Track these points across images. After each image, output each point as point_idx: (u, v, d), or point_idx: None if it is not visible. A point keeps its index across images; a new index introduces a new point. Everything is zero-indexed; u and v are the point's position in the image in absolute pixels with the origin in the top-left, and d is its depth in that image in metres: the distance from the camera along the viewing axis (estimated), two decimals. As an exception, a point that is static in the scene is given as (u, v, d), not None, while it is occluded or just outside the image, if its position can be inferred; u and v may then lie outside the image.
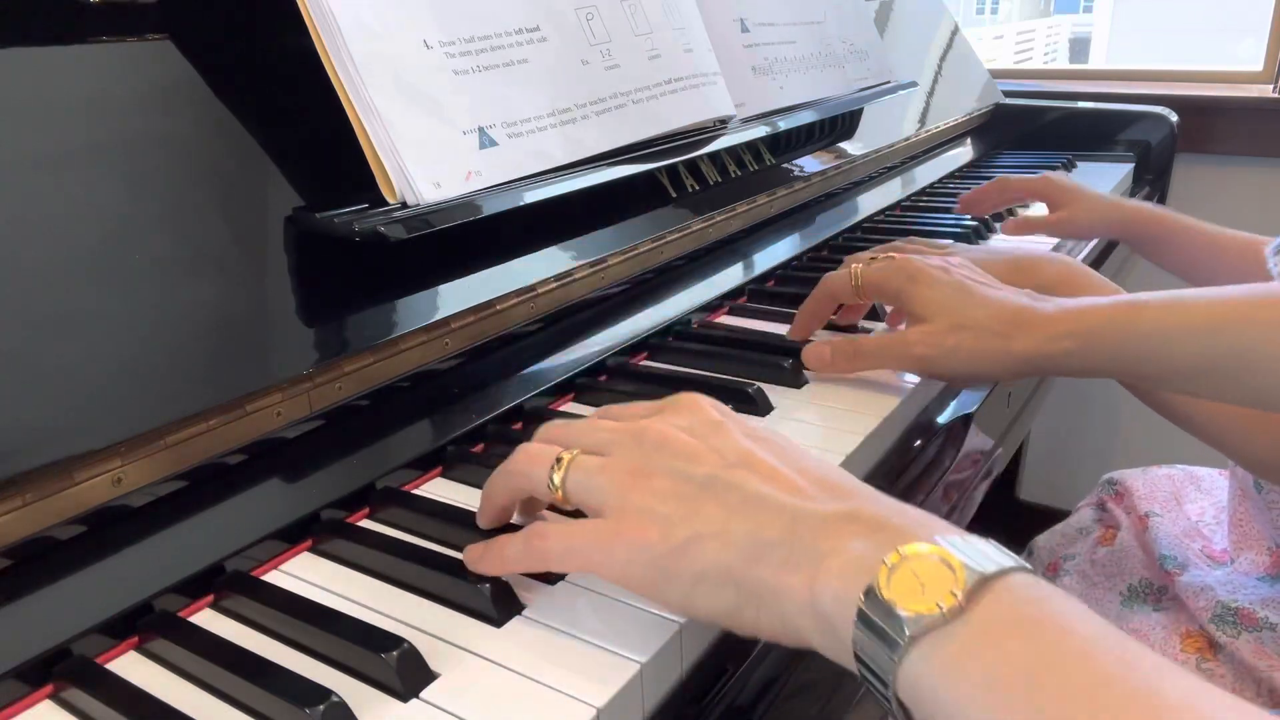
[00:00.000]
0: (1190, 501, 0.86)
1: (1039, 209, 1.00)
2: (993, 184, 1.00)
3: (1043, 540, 0.91)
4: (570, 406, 0.60)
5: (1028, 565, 0.30)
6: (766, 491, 0.35)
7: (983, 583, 0.29)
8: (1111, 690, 0.26)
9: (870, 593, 0.30)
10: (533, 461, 0.40)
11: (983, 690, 0.27)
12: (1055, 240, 0.96)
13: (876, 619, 0.30)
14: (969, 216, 1.00)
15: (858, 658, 0.30)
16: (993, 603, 0.29)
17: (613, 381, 0.62)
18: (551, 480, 0.39)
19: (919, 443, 0.60)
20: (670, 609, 0.36)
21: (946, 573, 0.29)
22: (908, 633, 0.29)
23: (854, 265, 0.62)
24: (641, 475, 0.37)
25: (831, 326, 0.70)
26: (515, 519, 0.44)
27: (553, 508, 0.43)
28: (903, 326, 0.61)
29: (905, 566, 0.30)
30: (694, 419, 0.40)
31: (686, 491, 0.36)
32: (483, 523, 0.44)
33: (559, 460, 0.39)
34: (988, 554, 0.30)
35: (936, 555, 0.30)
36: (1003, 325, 0.54)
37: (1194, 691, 0.25)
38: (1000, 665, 0.27)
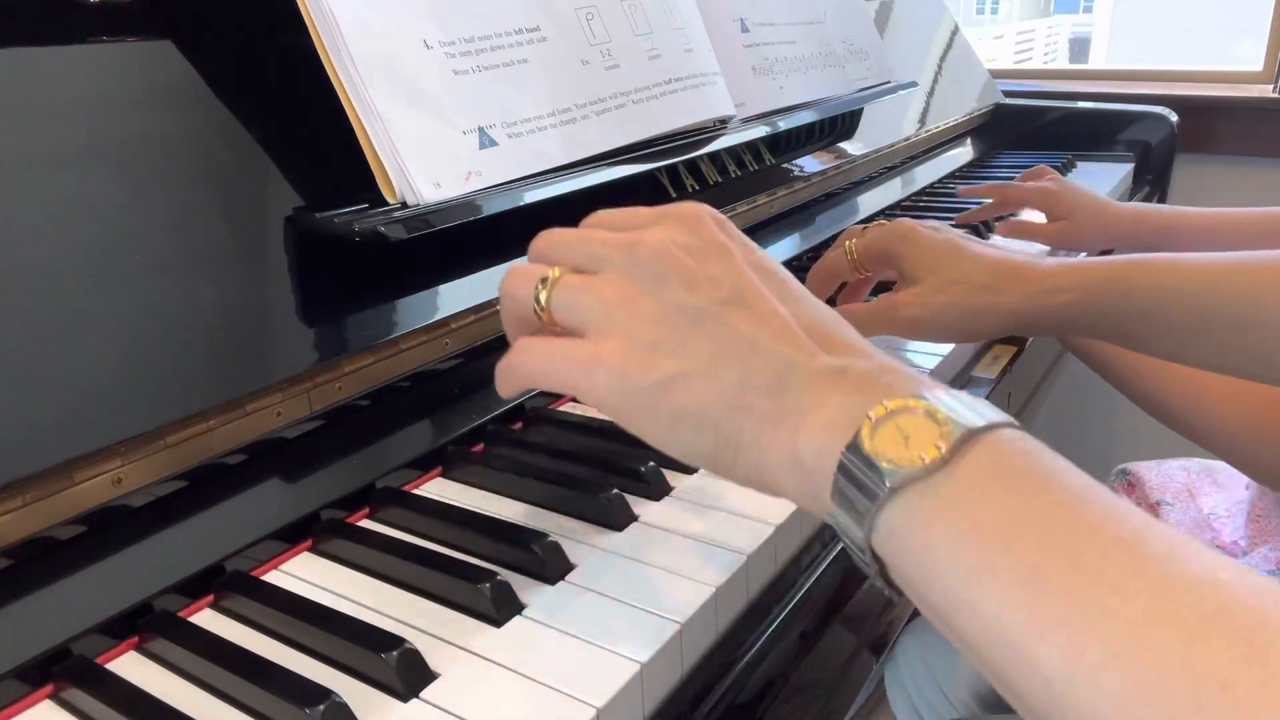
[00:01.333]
0: (1204, 495, 0.85)
1: (1037, 215, 1.00)
2: (992, 189, 0.99)
3: None
4: (570, 406, 0.60)
5: (1016, 422, 0.29)
6: (759, 337, 0.33)
7: (969, 436, 0.28)
8: (1094, 540, 0.25)
9: (853, 445, 0.29)
10: (521, 281, 0.37)
11: (963, 540, 0.27)
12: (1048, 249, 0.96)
13: (857, 470, 0.29)
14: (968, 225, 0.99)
15: (835, 511, 0.30)
16: (978, 455, 0.28)
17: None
18: (537, 300, 0.36)
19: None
20: (648, 440, 0.34)
21: (932, 426, 0.28)
22: (888, 484, 0.28)
23: (849, 241, 0.61)
24: (630, 297, 0.35)
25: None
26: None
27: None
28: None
29: (890, 420, 0.29)
30: (695, 237, 0.36)
31: (676, 322, 0.34)
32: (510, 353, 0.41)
33: (544, 280, 0.36)
34: (977, 409, 0.29)
35: (923, 409, 0.29)
36: (994, 279, 0.54)
37: (1178, 543, 0.25)
38: (982, 516, 0.27)
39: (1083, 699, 0.23)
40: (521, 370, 0.37)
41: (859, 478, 0.29)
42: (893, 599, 0.30)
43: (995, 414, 0.29)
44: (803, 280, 0.64)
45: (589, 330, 0.35)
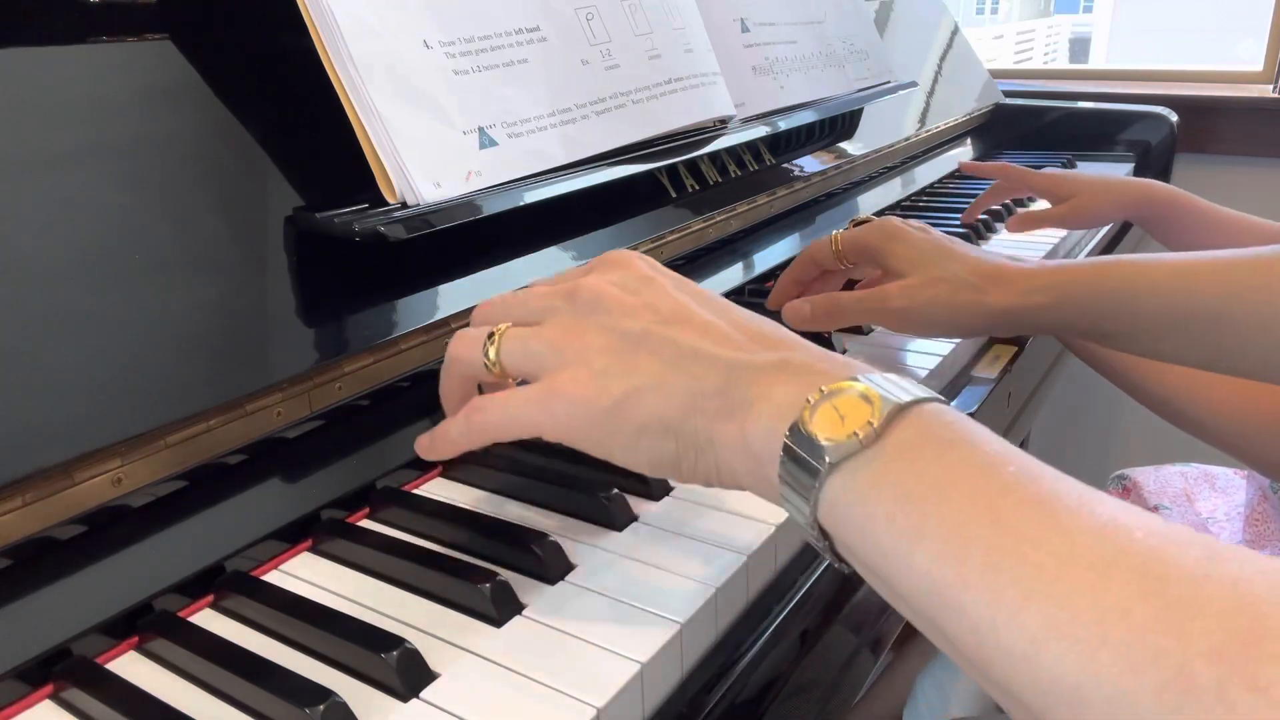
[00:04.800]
0: (1202, 499, 0.85)
1: (1043, 205, 1.00)
2: (997, 168, 0.97)
3: None
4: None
5: (941, 397, 0.32)
6: (701, 345, 0.36)
7: (898, 411, 0.31)
8: (1009, 497, 0.27)
9: (794, 428, 0.32)
10: (468, 344, 0.40)
11: (896, 506, 0.29)
12: (1065, 233, 0.95)
13: (799, 450, 0.31)
14: (969, 225, 0.99)
15: (783, 489, 0.32)
16: (905, 428, 0.30)
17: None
18: (487, 356, 0.39)
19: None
20: (615, 461, 0.37)
21: (865, 405, 0.31)
22: (828, 460, 0.30)
23: (836, 231, 0.63)
24: (575, 333, 0.37)
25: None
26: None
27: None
28: None
29: (827, 403, 0.32)
30: (626, 274, 0.40)
31: (622, 346, 0.37)
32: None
33: (491, 336, 0.39)
34: (905, 387, 0.32)
35: (856, 390, 0.32)
36: (979, 279, 0.56)
37: (1086, 495, 0.27)
38: (911, 482, 0.29)
39: (1004, 639, 0.25)
40: (480, 423, 0.39)
41: (801, 456, 0.31)
42: (843, 571, 0.33)
43: (921, 390, 0.32)
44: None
45: (541, 372, 0.38)
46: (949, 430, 0.30)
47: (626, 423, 0.36)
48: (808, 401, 0.32)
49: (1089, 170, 1.29)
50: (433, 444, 0.41)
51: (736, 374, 0.35)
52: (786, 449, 0.32)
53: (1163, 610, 0.23)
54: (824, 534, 0.32)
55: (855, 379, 0.32)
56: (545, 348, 0.38)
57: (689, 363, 0.36)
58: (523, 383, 0.40)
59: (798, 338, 0.37)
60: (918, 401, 0.31)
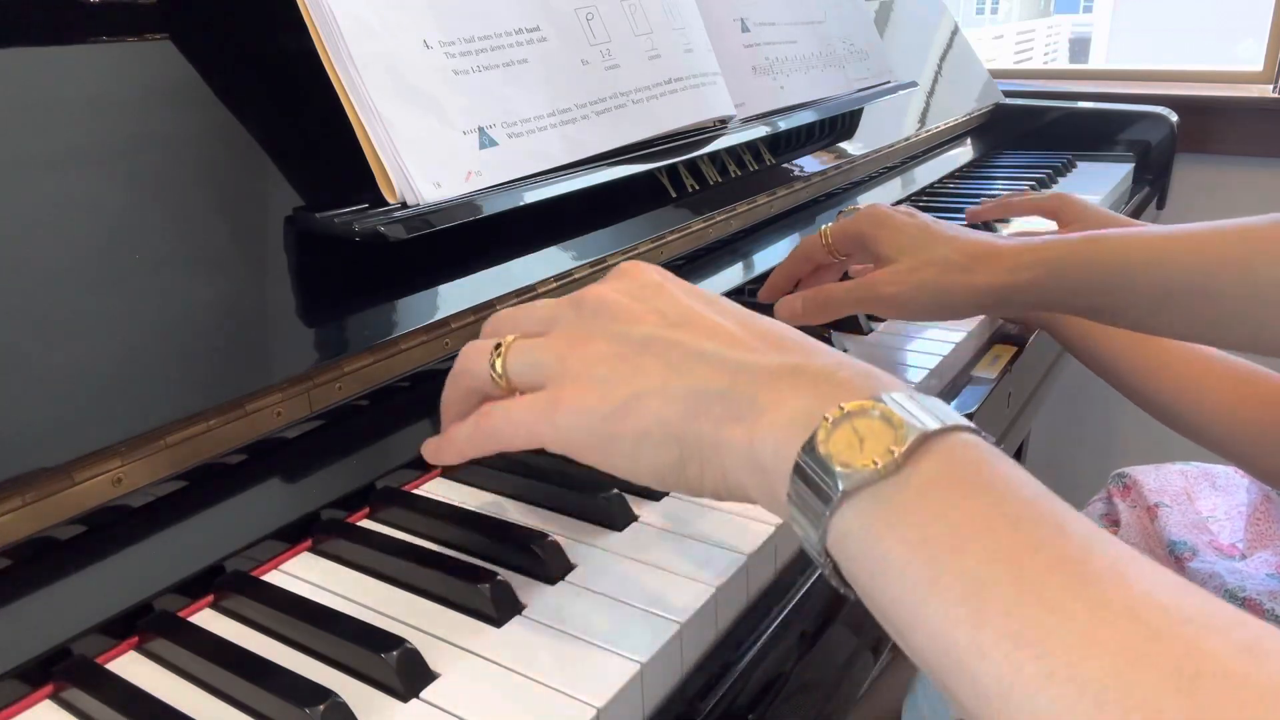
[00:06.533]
0: (1203, 498, 0.85)
1: (1041, 223, 1.00)
2: (997, 205, 0.98)
3: None
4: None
5: (973, 425, 0.29)
6: (707, 347, 0.34)
7: (923, 440, 0.28)
8: (1038, 556, 0.25)
9: (809, 446, 0.29)
10: (475, 356, 0.39)
11: (912, 548, 0.27)
12: None
13: (812, 473, 0.29)
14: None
15: (792, 510, 0.30)
16: (930, 462, 0.28)
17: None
18: (494, 369, 0.38)
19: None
20: (618, 472, 0.35)
21: (887, 430, 0.29)
22: (841, 487, 0.28)
23: (825, 225, 0.64)
24: (579, 342, 0.36)
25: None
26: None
27: None
28: None
29: (846, 422, 0.29)
30: (634, 284, 0.39)
31: (626, 352, 0.35)
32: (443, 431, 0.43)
33: (497, 347, 0.38)
34: (934, 411, 0.29)
35: (879, 412, 0.29)
36: (966, 259, 0.56)
37: (1122, 559, 0.25)
38: (931, 525, 0.27)
39: (1018, 717, 0.23)
40: (486, 429, 0.38)
41: (814, 480, 0.29)
42: (846, 596, 0.30)
43: (951, 416, 0.29)
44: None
45: (546, 382, 0.36)
46: (976, 470, 0.28)
47: (628, 429, 0.34)
48: (825, 419, 0.29)
49: (1089, 171, 1.29)
50: (439, 449, 0.40)
51: (743, 375, 0.33)
52: (798, 469, 0.29)
53: (1195, 714, 0.21)
54: (830, 557, 0.30)
55: (879, 397, 0.30)
56: (550, 357, 0.37)
57: (693, 364, 0.34)
58: None
59: (814, 341, 0.35)
60: (946, 430, 0.29)
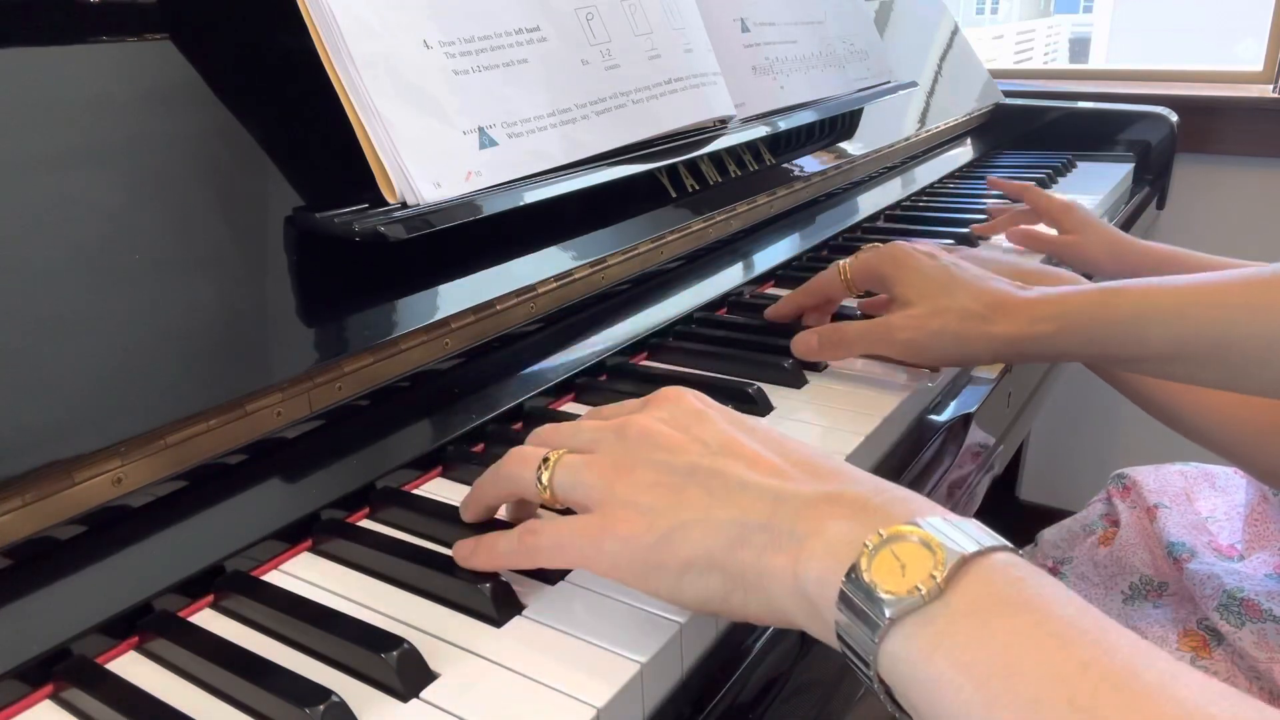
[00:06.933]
0: (1202, 499, 0.85)
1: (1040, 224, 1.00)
2: (1022, 189, 1.00)
3: (1049, 534, 0.91)
4: (570, 406, 0.60)
5: (1009, 544, 0.30)
6: (749, 476, 0.36)
7: (962, 564, 0.29)
8: (1088, 674, 0.26)
9: (851, 575, 0.30)
10: (522, 463, 0.41)
11: (961, 672, 0.28)
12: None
13: (858, 601, 0.30)
14: (968, 225, 0.99)
15: (840, 638, 0.31)
16: (971, 584, 0.29)
17: (613, 381, 0.62)
18: (540, 480, 0.39)
19: (919, 442, 0.60)
20: (661, 599, 0.36)
21: (926, 554, 0.30)
22: (888, 615, 0.29)
23: (843, 260, 0.63)
24: (625, 469, 0.37)
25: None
26: (501, 515, 0.45)
27: (546, 509, 0.43)
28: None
29: (886, 548, 0.30)
30: (676, 410, 0.40)
31: (670, 482, 0.36)
32: (467, 517, 0.44)
33: (545, 460, 0.39)
34: (969, 534, 0.30)
35: (917, 536, 0.30)
36: (985, 308, 0.56)
37: (1170, 673, 0.26)
38: (978, 648, 0.28)
39: None
40: (531, 545, 0.39)
41: (860, 608, 0.30)
42: None
43: (987, 538, 0.30)
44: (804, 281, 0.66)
45: (591, 504, 0.38)
46: (1017, 589, 0.29)
47: (672, 559, 0.35)
48: (865, 546, 0.30)
49: (1089, 171, 1.29)
50: (475, 553, 0.40)
51: (785, 505, 0.34)
52: (843, 597, 0.30)
53: None
54: (884, 685, 0.30)
55: (916, 523, 0.31)
56: (596, 481, 0.38)
57: (736, 494, 0.35)
58: (566, 510, 0.40)
59: (850, 467, 0.36)
60: (983, 551, 0.30)
